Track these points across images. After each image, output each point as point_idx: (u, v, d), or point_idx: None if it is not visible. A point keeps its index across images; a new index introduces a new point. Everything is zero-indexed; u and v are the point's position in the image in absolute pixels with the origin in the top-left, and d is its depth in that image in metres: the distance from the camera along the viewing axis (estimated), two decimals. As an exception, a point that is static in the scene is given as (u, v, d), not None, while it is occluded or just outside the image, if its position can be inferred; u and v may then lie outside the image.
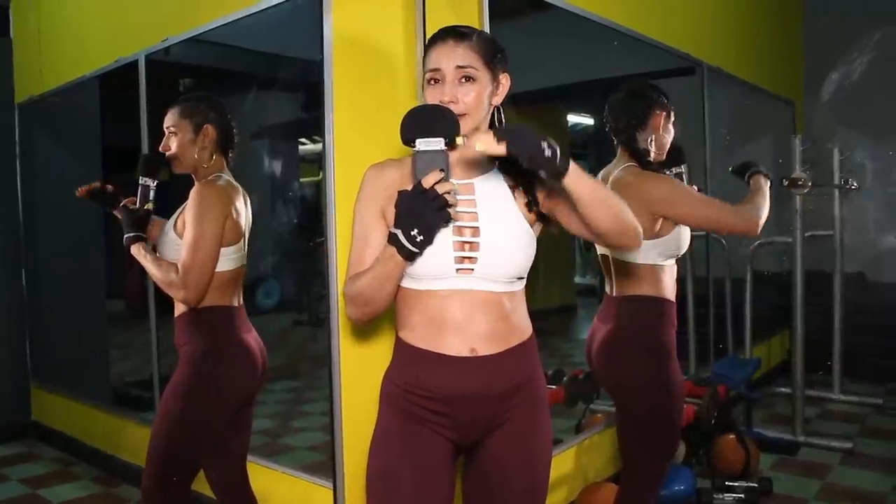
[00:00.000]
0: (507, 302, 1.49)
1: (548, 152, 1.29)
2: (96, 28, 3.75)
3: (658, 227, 2.14)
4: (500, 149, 1.28)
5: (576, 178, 1.35)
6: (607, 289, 2.31)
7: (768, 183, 2.34)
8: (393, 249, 1.37)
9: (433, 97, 1.45)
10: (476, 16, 2.45)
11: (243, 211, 2.15)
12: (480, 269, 1.44)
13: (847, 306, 4.77)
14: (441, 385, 1.46)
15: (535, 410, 1.54)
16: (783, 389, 4.66)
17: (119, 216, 2.16)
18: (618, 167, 2.25)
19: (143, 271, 2.12)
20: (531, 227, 1.51)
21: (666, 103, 2.26)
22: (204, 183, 2.08)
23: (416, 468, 1.47)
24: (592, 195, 1.39)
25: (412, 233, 1.34)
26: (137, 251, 2.09)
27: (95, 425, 3.90)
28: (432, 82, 1.46)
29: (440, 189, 1.31)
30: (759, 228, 2.19)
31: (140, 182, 2.12)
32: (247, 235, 2.20)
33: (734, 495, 3.05)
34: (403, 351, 1.52)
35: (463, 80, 1.44)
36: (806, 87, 6.05)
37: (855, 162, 5.08)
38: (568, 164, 1.33)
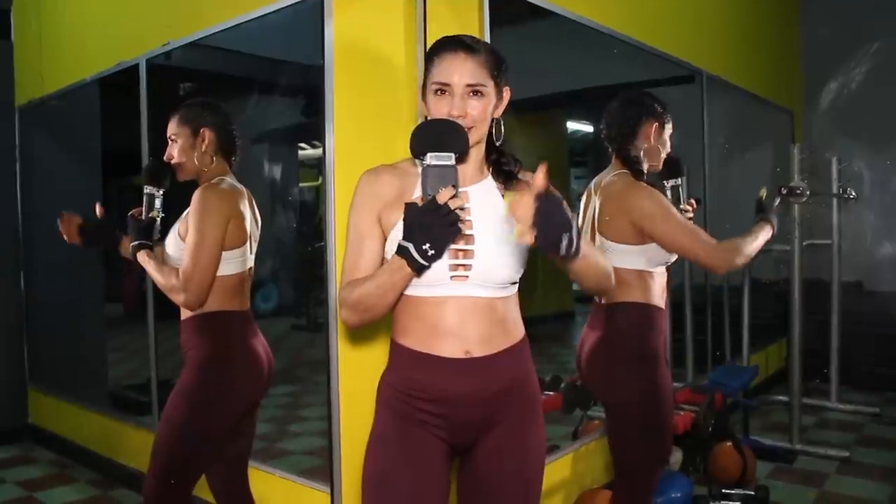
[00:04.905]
0: (501, 306, 1.51)
1: (563, 250, 1.30)
2: (97, 32, 3.76)
3: (644, 235, 2.14)
4: (528, 237, 1.26)
5: (580, 261, 1.39)
6: (595, 296, 2.30)
7: (770, 232, 2.27)
8: (402, 262, 1.38)
9: (440, 109, 1.45)
10: (476, 23, 2.45)
11: (248, 214, 2.15)
12: (474, 275, 1.45)
13: (844, 315, 4.77)
14: (436, 386, 1.48)
15: (529, 411, 1.56)
16: (780, 397, 4.67)
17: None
18: (610, 173, 2.25)
19: (140, 276, 2.12)
20: None
21: (660, 113, 2.24)
22: (206, 187, 2.08)
23: (411, 469, 1.49)
24: (587, 270, 1.47)
25: (424, 247, 1.35)
26: (143, 258, 2.10)
27: (92, 429, 3.90)
28: (439, 93, 1.47)
29: (452, 205, 1.33)
30: (726, 271, 2.15)
31: (145, 191, 2.13)
32: (255, 238, 2.20)
33: (731, 503, 3.05)
34: (399, 354, 1.54)
35: (471, 94, 1.45)
36: (805, 97, 6.07)
37: (853, 171, 5.09)
38: (578, 253, 1.33)
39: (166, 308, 2.18)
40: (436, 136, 1.38)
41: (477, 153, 1.53)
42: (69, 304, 4.30)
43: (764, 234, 2.24)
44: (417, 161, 1.39)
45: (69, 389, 4.18)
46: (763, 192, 2.37)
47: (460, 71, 1.44)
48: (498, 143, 1.55)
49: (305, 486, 2.59)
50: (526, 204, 1.25)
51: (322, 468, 2.45)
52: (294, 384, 4.99)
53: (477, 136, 1.48)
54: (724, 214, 4.16)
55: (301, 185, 7.41)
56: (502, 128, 1.55)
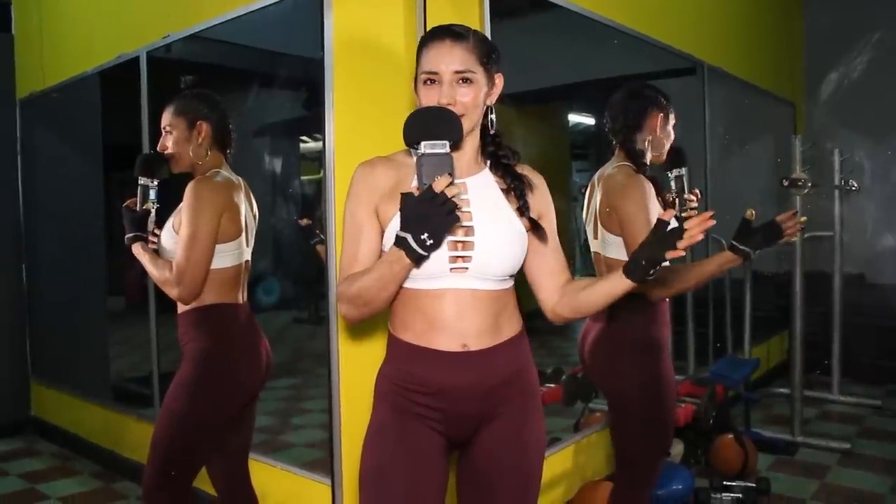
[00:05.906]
0: (499, 299, 1.51)
1: (651, 274, 1.38)
2: (98, 24, 3.75)
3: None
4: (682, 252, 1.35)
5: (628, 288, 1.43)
6: None
7: (732, 264, 1.96)
8: (401, 253, 1.36)
9: (430, 98, 1.45)
10: (477, 15, 2.45)
11: (243, 206, 2.14)
12: (474, 267, 1.45)
13: (846, 307, 4.77)
14: (433, 379, 1.48)
15: (527, 405, 1.56)
16: (782, 390, 4.67)
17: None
18: (612, 165, 2.25)
19: (142, 269, 2.12)
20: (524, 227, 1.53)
21: (664, 104, 2.25)
22: (199, 180, 2.07)
23: (409, 461, 1.49)
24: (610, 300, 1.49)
25: (422, 237, 1.34)
26: (137, 250, 2.10)
27: (95, 421, 3.91)
28: (428, 82, 1.46)
29: (449, 193, 1.32)
30: (650, 298, 2.11)
31: (139, 182, 2.12)
32: (251, 231, 2.20)
33: (732, 495, 3.05)
34: (396, 347, 1.53)
35: (460, 81, 1.44)
36: (806, 88, 6.05)
37: (855, 162, 5.08)
38: (643, 281, 1.39)
39: (168, 301, 2.18)
40: (429, 123, 1.37)
41: (472, 143, 1.53)
42: (71, 298, 4.31)
43: (718, 265, 1.98)
44: (412, 151, 1.38)
45: (71, 382, 4.19)
46: (750, 214, 1.89)
47: (448, 59, 1.43)
48: (491, 132, 1.55)
49: (307, 479, 2.59)
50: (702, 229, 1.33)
51: (324, 461, 2.46)
52: (296, 377, 5.00)
53: (469, 124, 1.46)
54: (725, 206, 4.16)
55: (303, 178, 7.39)
56: (493, 115, 1.54)
